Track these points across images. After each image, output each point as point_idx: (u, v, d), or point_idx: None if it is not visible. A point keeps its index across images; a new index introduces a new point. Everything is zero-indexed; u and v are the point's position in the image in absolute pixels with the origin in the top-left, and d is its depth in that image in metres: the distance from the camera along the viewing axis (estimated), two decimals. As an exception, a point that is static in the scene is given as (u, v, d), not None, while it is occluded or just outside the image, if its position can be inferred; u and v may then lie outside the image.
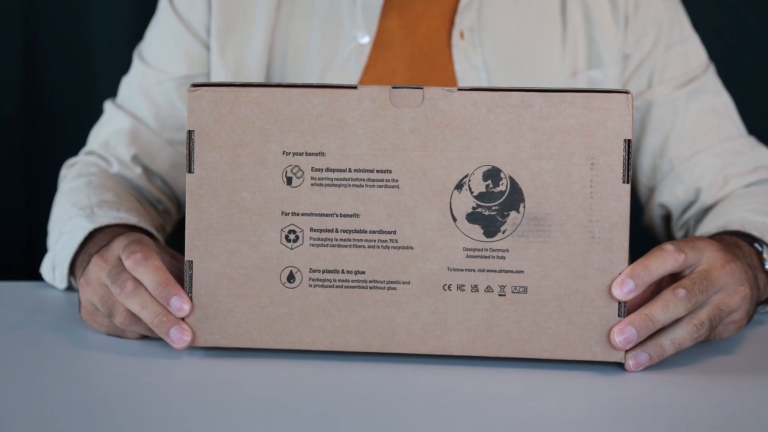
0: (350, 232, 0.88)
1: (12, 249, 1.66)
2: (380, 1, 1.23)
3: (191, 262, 0.88)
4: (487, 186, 0.87)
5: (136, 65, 1.29)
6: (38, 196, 1.59)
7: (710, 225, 1.13)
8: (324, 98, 0.87)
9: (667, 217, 1.28)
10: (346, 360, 0.89)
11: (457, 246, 0.87)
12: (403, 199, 0.87)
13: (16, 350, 0.92)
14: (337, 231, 0.88)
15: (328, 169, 0.88)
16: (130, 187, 1.23)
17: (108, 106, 1.28)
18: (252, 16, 1.24)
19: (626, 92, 0.86)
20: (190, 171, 0.88)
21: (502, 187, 0.87)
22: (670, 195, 1.25)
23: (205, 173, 0.88)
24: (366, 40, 1.23)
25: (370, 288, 0.88)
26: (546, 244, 0.87)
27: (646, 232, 1.31)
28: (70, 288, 1.10)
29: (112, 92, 1.31)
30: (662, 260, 0.87)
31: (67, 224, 1.09)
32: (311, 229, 0.88)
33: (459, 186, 0.87)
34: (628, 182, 0.86)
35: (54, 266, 1.10)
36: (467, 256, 0.87)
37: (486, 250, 0.87)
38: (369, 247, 0.88)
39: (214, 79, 1.25)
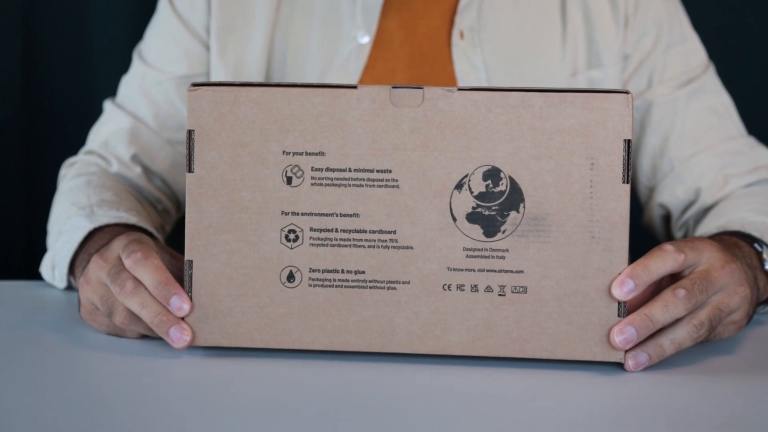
0: (350, 231, 0.88)
1: (12, 248, 1.66)
2: (380, 1, 1.23)
3: (191, 261, 0.89)
4: (487, 186, 0.87)
5: (136, 65, 1.29)
6: (38, 195, 1.59)
7: (710, 225, 1.13)
8: (324, 98, 0.87)
9: (667, 217, 1.28)
10: (345, 360, 0.89)
11: (456, 246, 0.87)
12: (403, 198, 0.87)
13: (15, 350, 0.92)
14: (337, 231, 0.88)
15: (328, 169, 0.88)
16: (130, 186, 1.23)
17: (107, 105, 1.28)
18: (252, 16, 1.24)
19: (626, 92, 0.86)
20: (190, 170, 0.88)
21: (502, 187, 0.87)
22: (670, 195, 1.25)
23: (205, 173, 0.88)
24: (366, 40, 1.23)
25: (370, 288, 0.88)
26: (546, 244, 0.87)
27: (646, 232, 1.31)
28: (70, 287, 1.10)
29: (111, 92, 1.31)
30: (662, 260, 0.87)
31: (66, 223, 1.09)
32: (311, 229, 0.88)
33: (459, 186, 0.87)
34: (627, 182, 0.86)
35: (54, 265, 1.10)
36: (467, 256, 0.87)
37: (486, 250, 0.87)
38: (369, 246, 0.88)
39: (214, 79, 1.25)
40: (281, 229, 0.88)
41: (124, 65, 1.31)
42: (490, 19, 1.24)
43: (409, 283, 0.88)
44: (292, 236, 0.88)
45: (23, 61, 1.63)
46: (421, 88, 0.87)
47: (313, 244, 0.88)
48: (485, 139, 0.87)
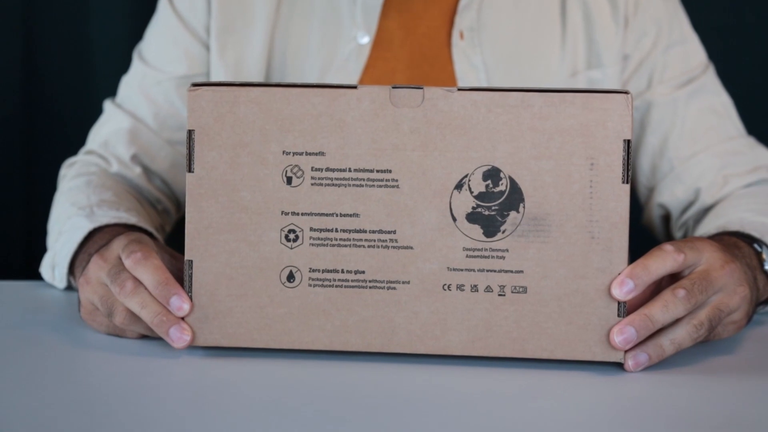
0: (350, 231, 0.88)
1: (11, 248, 1.66)
2: (380, 1, 1.23)
3: (191, 261, 0.89)
4: (486, 186, 0.87)
5: (136, 65, 1.29)
6: (38, 195, 1.59)
7: (710, 225, 1.13)
8: (324, 98, 0.87)
9: (667, 218, 1.28)
10: (345, 360, 0.89)
11: (456, 246, 0.87)
12: (403, 198, 0.87)
13: (15, 350, 0.92)
14: (336, 231, 0.88)
15: (328, 169, 0.88)
16: (130, 186, 1.23)
17: (107, 105, 1.28)
18: (252, 16, 1.24)
19: (626, 92, 0.86)
20: (190, 170, 0.88)
21: (501, 187, 0.87)
22: (670, 195, 1.25)
23: (205, 173, 0.88)
24: (366, 40, 1.23)
25: (370, 288, 0.88)
26: (546, 244, 0.87)
27: (646, 232, 1.31)
28: (70, 287, 1.10)
29: (111, 92, 1.31)
30: (662, 260, 0.87)
31: (66, 224, 1.09)
32: (311, 229, 0.88)
33: (459, 186, 0.87)
34: (627, 182, 0.86)
35: (53, 266, 1.10)
36: (467, 256, 0.87)
37: (486, 250, 0.87)
38: (369, 246, 0.88)
39: (214, 79, 1.25)
40: (281, 229, 0.88)
41: (124, 65, 1.31)
42: (490, 19, 1.24)
43: (408, 283, 0.88)
44: (292, 236, 0.88)
45: (23, 61, 1.63)
46: (421, 88, 0.87)
47: (313, 244, 0.88)
48: (485, 139, 0.87)
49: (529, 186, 0.87)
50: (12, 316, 1.03)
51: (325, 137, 0.87)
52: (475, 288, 0.87)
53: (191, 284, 0.89)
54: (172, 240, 1.24)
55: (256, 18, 1.24)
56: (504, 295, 0.87)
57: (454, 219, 0.87)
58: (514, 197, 0.87)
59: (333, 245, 0.88)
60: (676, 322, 0.88)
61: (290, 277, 0.88)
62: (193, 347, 0.90)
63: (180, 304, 0.88)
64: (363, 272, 0.88)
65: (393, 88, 0.87)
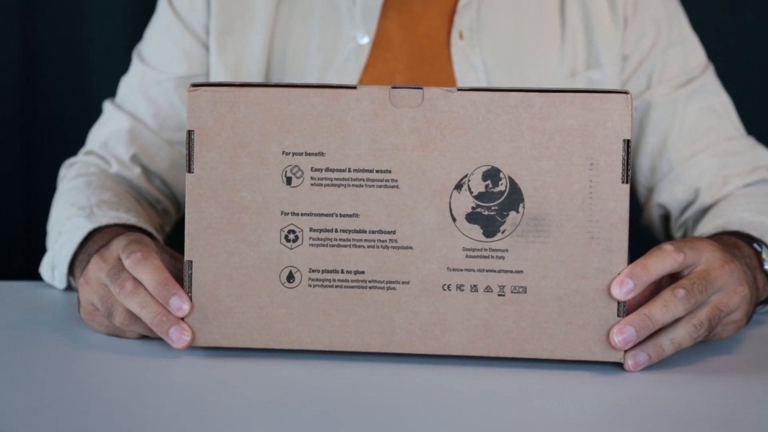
0: (350, 232, 0.88)
1: (11, 249, 1.66)
2: (379, 2, 1.23)
3: (191, 261, 0.89)
4: (486, 186, 0.87)
5: (135, 65, 1.29)
6: (37, 196, 1.59)
7: (709, 225, 1.13)
8: (323, 98, 0.87)
9: (666, 218, 1.28)
10: (345, 360, 0.89)
11: (456, 246, 0.87)
12: (403, 199, 0.87)
13: (15, 350, 0.92)
14: (336, 231, 0.88)
15: (327, 169, 0.88)
16: (129, 187, 1.23)
17: (107, 106, 1.28)
18: (251, 17, 1.24)
19: (625, 92, 0.86)
20: (189, 171, 0.88)
21: (501, 187, 0.87)
22: (669, 195, 1.25)
23: (205, 173, 0.88)
24: (365, 40, 1.23)
25: (370, 288, 0.88)
26: (545, 244, 0.87)
27: (645, 232, 1.31)
28: (70, 288, 1.10)
29: (111, 92, 1.31)
30: (661, 260, 0.87)
31: (66, 224, 1.09)
32: (311, 229, 0.88)
33: (458, 186, 0.87)
34: (627, 182, 0.86)
35: (53, 266, 1.10)
36: (467, 256, 0.87)
37: (485, 250, 0.87)
38: (368, 247, 0.88)
39: (214, 80, 1.25)
40: (281, 230, 0.88)
41: (124, 66, 1.31)
42: (490, 19, 1.24)
43: (408, 283, 0.88)
44: (291, 236, 0.88)
45: (23, 62, 1.63)
46: (421, 88, 0.87)
47: (312, 245, 0.88)
48: (485, 139, 0.87)
49: (529, 186, 0.87)
50: (12, 316, 1.03)
51: (324, 137, 0.87)
52: (474, 288, 0.87)
53: (191, 284, 0.89)
54: (171, 240, 1.24)
55: (255, 18, 1.24)
56: (504, 295, 0.87)
57: (454, 219, 0.87)
58: (514, 197, 0.87)
59: (333, 245, 0.88)
60: (676, 321, 0.88)
61: (290, 277, 0.88)
62: (192, 347, 0.90)
63: (180, 304, 0.88)
64: (363, 272, 0.88)
65: (392, 88, 0.87)
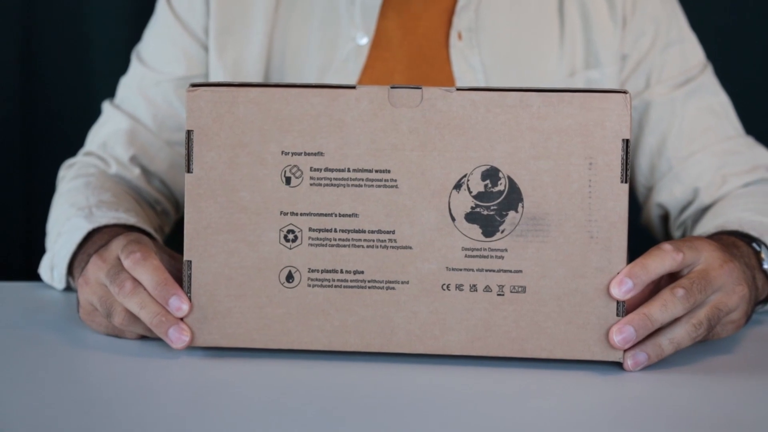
0: (349, 231, 0.88)
1: (11, 249, 1.66)
2: (378, 2, 1.23)
3: (190, 262, 0.89)
4: (485, 186, 0.87)
5: (134, 66, 1.29)
6: (37, 196, 1.59)
7: (708, 225, 1.13)
8: (323, 98, 0.87)
9: (665, 217, 1.28)
10: (344, 360, 0.89)
11: (455, 246, 0.87)
12: (402, 198, 0.87)
13: (14, 350, 0.92)
14: (335, 231, 0.88)
15: (326, 169, 0.88)
16: (129, 187, 1.23)
17: (106, 106, 1.28)
18: (250, 17, 1.24)
19: (624, 92, 0.86)
20: (188, 171, 0.88)
21: (500, 187, 0.87)
22: (668, 195, 1.25)
23: (204, 173, 0.88)
24: (364, 40, 1.23)
25: (369, 288, 0.88)
26: (545, 243, 0.87)
27: (644, 231, 1.31)
28: (69, 288, 1.10)
29: (110, 93, 1.31)
30: (660, 260, 0.87)
31: (65, 225, 1.09)
32: (310, 229, 0.88)
33: (458, 186, 0.87)
34: (626, 182, 0.87)
35: (52, 266, 1.10)
36: (466, 256, 0.87)
37: (485, 249, 0.87)
38: (368, 246, 0.88)
39: (213, 80, 1.25)
40: (280, 230, 0.88)
41: (123, 66, 1.31)
42: (488, 19, 1.24)
43: (408, 283, 0.88)
44: (290, 236, 0.88)
45: (22, 62, 1.63)
46: (420, 88, 0.87)
47: (312, 245, 0.88)
48: (484, 139, 0.87)
49: (528, 186, 0.87)
50: (11, 316, 1.03)
51: (324, 137, 0.87)
52: (474, 288, 0.87)
53: (190, 285, 0.89)
54: (171, 241, 1.24)
55: (254, 19, 1.24)
56: (503, 295, 0.87)
57: (453, 219, 0.87)
58: (513, 197, 0.87)
59: (332, 245, 0.88)
60: (675, 321, 0.88)
61: (289, 277, 0.88)
62: (192, 348, 0.90)
63: (179, 304, 0.88)
64: (362, 272, 0.88)
65: (392, 88, 0.87)
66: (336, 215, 0.88)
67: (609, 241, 0.86)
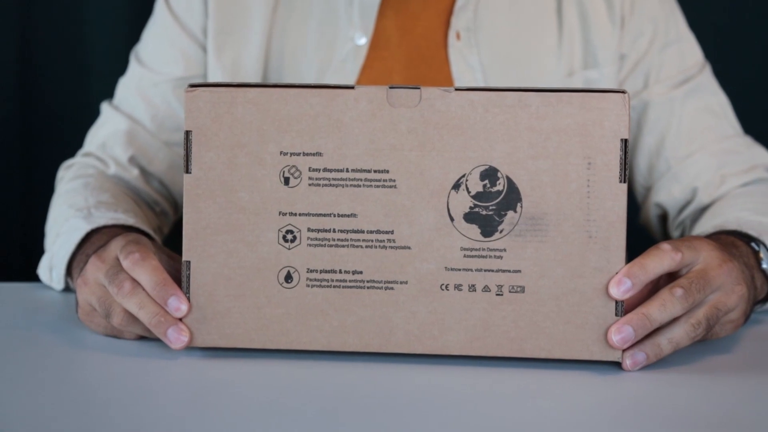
0: (348, 232, 0.88)
1: (9, 250, 1.65)
2: (377, 2, 1.23)
3: (189, 262, 0.89)
4: (484, 186, 0.87)
5: (133, 66, 1.29)
6: (36, 197, 1.59)
7: (707, 224, 1.13)
8: (321, 98, 0.87)
9: (664, 217, 1.28)
10: (343, 360, 0.89)
11: (454, 246, 0.87)
12: (401, 199, 0.87)
13: (13, 351, 0.92)
14: (334, 231, 0.88)
15: (325, 169, 0.88)
16: (127, 188, 1.23)
17: (105, 107, 1.28)
18: (249, 18, 1.24)
19: (623, 92, 0.86)
20: (187, 171, 0.88)
21: (499, 187, 0.87)
22: (667, 194, 1.25)
23: (203, 173, 0.88)
24: (363, 41, 1.23)
25: (368, 288, 0.88)
26: (543, 243, 0.87)
27: (643, 231, 1.31)
28: (68, 289, 1.10)
29: (108, 94, 1.31)
30: (659, 259, 0.87)
31: (64, 225, 1.09)
32: (309, 229, 0.88)
33: (456, 186, 0.87)
34: (624, 182, 0.87)
35: (51, 267, 1.10)
36: (465, 256, 0.87)
37: (483, 249, 0.87)
38: (366, 247, 0.88)
39: (211, 80, 1.25)
40: (279, 230, 0.88)
41: (122, 67, 1.31)
42: (487, 19, 1.24)
43: (406, 283, 0.88)
44: (289, 237, 0.88)
45: (20, 63, 1.63)
46: (418, 88, 0.87)
47: (310, 245, 0.88)
48: (482, 139, 0.87)
49: (527, 185, 0.87)
50: (10, 317, 1.03)
51: (322, 138, 0.87)
52: (472, 288, 0.87)
53: (189, 285, 0.89)
54: (170, 241, 1.24)
55: (253, 19, 1.24)
56: (502, 295, 0.87)
57: (452, 219, 0.87)
58: (512, 197, 0.87)
59: (331, 245, 0.88)
60: (674, 321, 0.88)
61: (288, 277, 0.88)
62: (191, 348, 0.90)
63: (178, 304, 0.88)
64: (361, 272, 0.88)
65: (390, 88, 0.87)
66: (335, 215, 0.88)
67: (608, 240, 0.87)
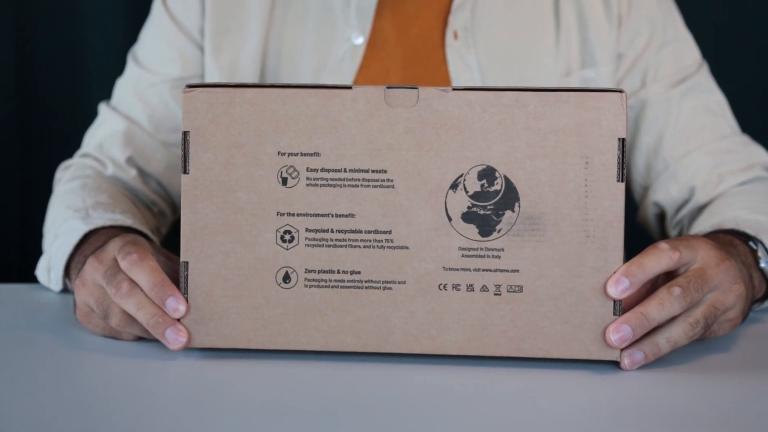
0: (345, 232, 0.88)
1: (7, 251, 1.65)
2: (374, 2, 1.23)
3: (187, 263, 0.89)
4: (482, 185, 0.87)
5: (130, 67, 1.29)
6: (34, 198, 1.59)
7: (704, 223, 1.13)
8: (319, 98, 0.87)
9: (662, 216, 1.28)
10: (341, 360, 0.89)
11: (452, 245, 0.87)
12: (399, 199, 0.87)
13: (11, 352, 0.92)
14: (332, 231, 0.88)
15: (323, 170, 0.88)
16: (125, 189, 1.23)
17: (102, 108, 1.28)
18: (246, 18, 1.24)
19: (620, 91, 0.86)
20: (185, 172, 0.88)
21: (497, 187, 0.87)
22: (665, 194, 1.25)
23: (201, 174, 0.88)
24: (360, 40, 1.23)
25: (366, 288, 0.88)
26: (541, 243, 0.87)
27: (641, 230, 1.31)
28: (66, 290, 1.10)
29: (106, 94, 1.31)
30: (657, 258, 0.87)
31: (62, 226, 1.09)
32: (306, 230, 0.88)
33: (454, 185, 0.87)
34: (622, 181, 0.87)
35: (49, 268, 1.10)
36: (462, 256, 0.87)
37: (481, 249, 0.87)
38: (364, 247, 0.88)
39: (208, 81, 1.25)
40: (277, 230, 0.88)
41: (119, 67, 1.31)
42: (484, 19, 1.24)
43: (404, 283, 0.88)
44: (287, 237, 0.88)
45: (18, 64, 1.62)
46: (416, 88, 0.87)
47: (308, 245, 0.88)
48: (480, 138, 0.87)
49: (525, 185, 0.87)
50: (8, 318, 1.03)
51: (320, 138, 0.87)
52: (471, 287, 0.87)
53: (187, 285, 0.89)
54: (168, 242, 1.24)
55: (250, 19, 1.24)
56: (500, 295, 0.87)
57: (450, 219, 0.87)
58: (510, 196, 0.87)
59: (329, 246, 0.88)
60: (672, 320, 0.88)
61: (286, 277, 0.88)
62: (189, 349, 0.90)
63: (176, 305, 0.88)
64: (359, 272, 0.88)
65: (387, 88, 0.87)
66: (332, 215, 0.88)
67: (605, 240, 0.87)
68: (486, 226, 0.87)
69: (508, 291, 0.87)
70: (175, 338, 0.88)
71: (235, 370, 0.87)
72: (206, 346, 0.89)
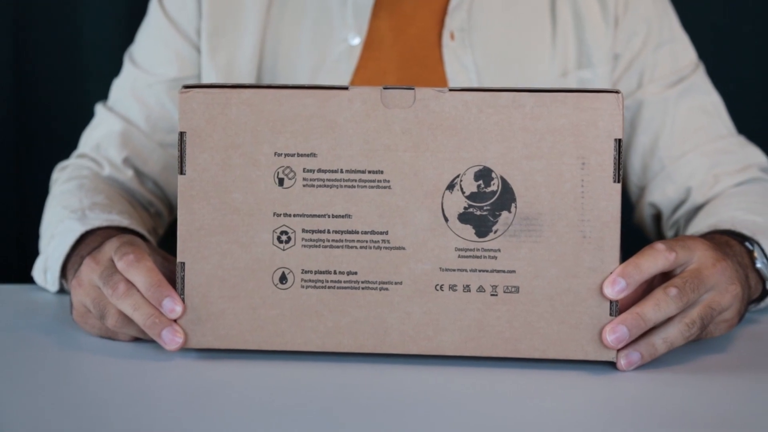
0: (342, 232, 0.88)
1: (4, 252, 1.65)
2: (370, 2, 1.23)
3: (183, 263, 0.88)
4: (478, 186, 0.87)
5: (127, 68, 1.29)
6: (31, 198, 1.59)
7: (701, 224, 1.13)
8: (315, 99, 0.87)
9: (658, 217, 1.28)
10: (338, 361, 0.89)
11: (448, 246, 0.87)
12: (395, 199, 0.87)
13: (8, 353, 0.92)
14: (329, 232, 0.88)
15: (319, 170, 0.88)
16: (122, 189, 1.22)
17: (99, 108, 1.28)
18: (242, 18, 1.24)
19: (617, 92, 0.86)
20: (181, 172, 0.88)
21: (493, 187, 0.87)
22: (661, 194, 1.25)
23: (197, 175, 0.88)
24: (357, 41, 1.23)
25: (363, 289, 0.88)
26: (537, 243, 0.87)
27: (637, 231, 1.31)
28: (62, 291, 1.10)
29: (103, 95, 1.31)
30: (653, 259, 0.87)
31: (58, 227, 1.09)
32: (303, 230, 0.88)
33: (450, 186, 0.87)
34: (618, 181, 0.87)
35: (46, 269, 1.09)
36: (459, 256, 0.87)
37: (478, 250, 0.87)
38: (361, 247, 0.88)
39: (205, 81, 1.25)
40: (273, 231, 0.88)
41: (116, 68, 1.31)
42: (481, 19, 1.24)
43: (401, 283, 0.88)
44: (284, 237, 0.88)
45: (15, 64, 1.62)
46: (412, 88, 0.87)
47: (305, 246, 0.88)
48: (476, 139, 0.87)
49: (521, 186, 0.87)
50: (4, 319, 1.03)
51: (316, 138, 0.87)
52: (467, 288, 0.87)
53: (183, 286, 0.89)
54: (165, 242, 1.24)
55: (246, 20, 1.24)
56: (496, 295, 0.87)
57: (446, 219, 0.87)
58: (506, 197, 0.87)
59: (325, 246, 0.88)
60: (668, 320, 0.88)
61: (282, 278, 0.88)
62: (185, 349, 0.89)
63: (172, 306, 0.88)
64: (355, 273, 0.88)
65: (384, 89, 0.87)
66: (329, 216, 0.88)
67: (602, 240, 0.87)
68: (482, 226, 0.87)
69: (504, 291, 0.87)
70: (171, 339, 0.88)
71: (232, 371, 0.87)
72: (203, 347, 0.89)
